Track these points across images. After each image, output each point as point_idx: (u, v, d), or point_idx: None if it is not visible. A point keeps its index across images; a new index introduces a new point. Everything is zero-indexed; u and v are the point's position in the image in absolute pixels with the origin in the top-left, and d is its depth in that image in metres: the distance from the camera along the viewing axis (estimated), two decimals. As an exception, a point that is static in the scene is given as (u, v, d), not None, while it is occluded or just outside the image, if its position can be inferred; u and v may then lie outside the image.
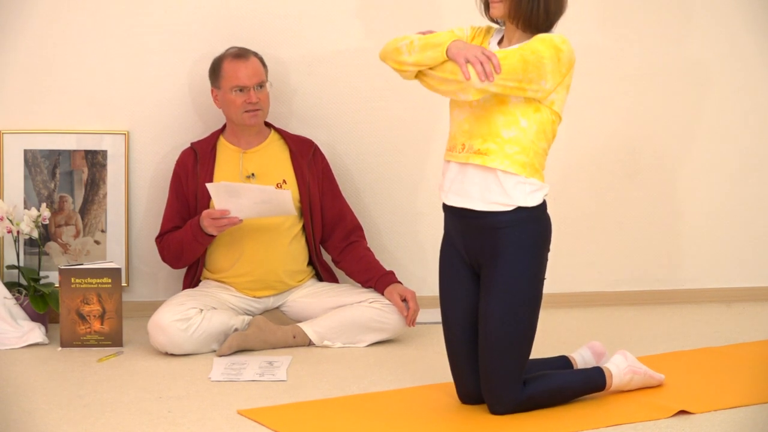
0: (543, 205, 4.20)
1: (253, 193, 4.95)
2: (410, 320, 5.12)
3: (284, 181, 5.18)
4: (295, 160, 5.26)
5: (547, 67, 4.05)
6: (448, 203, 4.25)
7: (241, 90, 5.14)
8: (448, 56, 4.01)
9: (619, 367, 4.42)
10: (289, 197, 4.96)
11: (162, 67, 5.50)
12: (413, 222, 5.68)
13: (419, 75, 4.13)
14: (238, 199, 4.94)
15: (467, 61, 3.94)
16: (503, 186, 4.12)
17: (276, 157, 5.24)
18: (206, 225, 5.01)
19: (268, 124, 5.34)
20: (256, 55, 5.22)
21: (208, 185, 4.96)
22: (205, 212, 5.02)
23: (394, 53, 4.14)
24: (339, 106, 5.63)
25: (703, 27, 5.83)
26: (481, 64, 3.92)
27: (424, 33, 4.16)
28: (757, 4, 5.85)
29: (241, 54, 5.18)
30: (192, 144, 5.30)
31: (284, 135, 5.32)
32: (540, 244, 4.21)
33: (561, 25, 4.21)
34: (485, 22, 4.31)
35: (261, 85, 5.17)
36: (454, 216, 4.26)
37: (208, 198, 5.10)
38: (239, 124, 5.21)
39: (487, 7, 4.23)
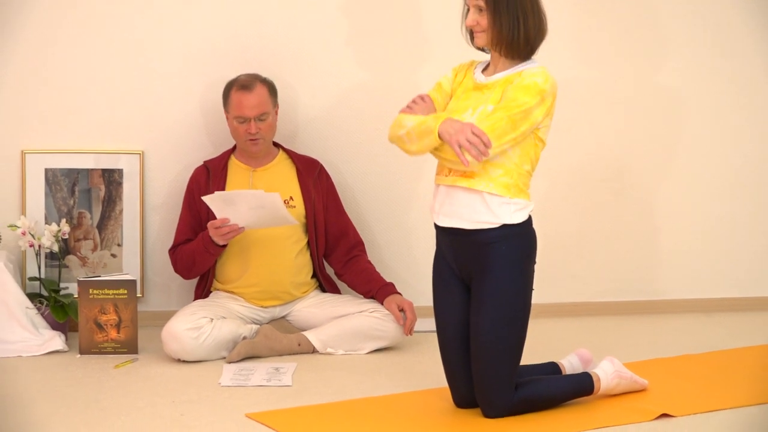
0: (528, 222, 4.21)
1: (246, 198, 4.93)
2: (407, 329, 5.11)
3: (291, 198, 5.17)
4: (301, 179, 5.24)
5: (534, 111, 4.08)
6: (439, 224, 4.26)
7: (243, 121, 5.11)
8: (442, 140, 4.04)
9: (606, 373, 4.43)
10: (278, 199, 4.93)
11: (175, 91, 5.50)
12: (409, 238, 5.67)
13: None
14: (235, 206, 4.93)
15: (460, 146, 3.97)
16: (489, 206, 4.13)
17: (284, 175, 5.22)
18: (212, 235, 5.00)
19: (277, 145, 5.33)
20: (264, 82, 5.19)
21: (204, 198, 4.96)
22: (209, 223, 5.01)
23: (398, 142, 4.20)
24: (342, 129, 5.63)
25: (679, 57, 5.84)
26: (473, 145, 3.95)
27: (412, 106, 4.22)
28: (728, 35, 5.85)
29: (246, 85, 5.15)
30: (205, 162, 5.29)
31: (292, 155, 5.31)
32: (526, 258, 4.21)
33: (549, 61, 4.23)
34: (468, 55, 4.34)
35: (262, 116, 5.13)
36: (445, 234, 4.26)
37: (219, 210, 5.10)
38: (243, 149, 5.20)
39: (472, 37, 4.24)
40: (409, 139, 4.15)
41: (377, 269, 5.34)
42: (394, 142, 4.24)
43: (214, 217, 5.06)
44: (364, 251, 5.36)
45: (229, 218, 4.94)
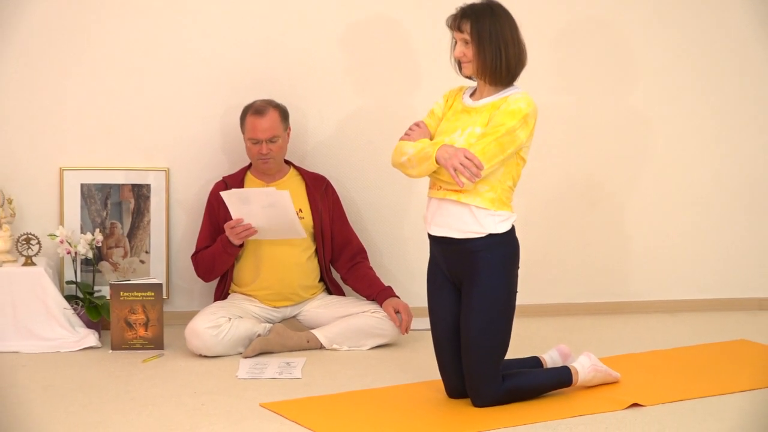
0: (511, 231, 4.21)
1: (259, 196, 4.93)
2: (403, 328, 5.11)
3: (300, 210, 5.16)
4: (310, 193, 5.24)
5: (519, 133, 4.11)
6: (431, 233, 4.26)
7: (256, 142, 5.11)
8: (439, 164, 4.08)
9: (583, 366, 4.43)
10: (288, 196, 4.93)
11: (197, 114, 5.49)
12: (405, 246, 5.66)
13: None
14: (249, 205, 4.93)
15: (455, 169, 4.01)
16: (476, 217, 4.14)
17: (294, 190, 5.20)
18: (229, 235, 5.01)
19: (288, 162, 5.33)
20: (276, 107, 5.18)
21: (222, 193, 4.98)
22: (226, 224, 5.02)
23: (401, 167, 4.23)
24: (346, 149, 5.61)
25: (646, 84, 5.83)
26: (467, 168, 3.99)
27: (409, 133, 4.25)
28: (691, 63, 5.84)
29: (259, 110, 5.15)
30: (224, 177, 5.29)
31: (302, 172, 5.31)
32: (510, 263, 4.22)
33: (530, 87, 4.25)
34: (456, 83, 4.38)
35: (273, 138, 5.13)
36: (437, 243, 4.26)
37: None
38: (256, 167, 5.21)
39: (460, 67, 4.27)
40: (410, 165, 4.17)
41: (377, 274, 5.33)
42: (397, 167, 4.26)
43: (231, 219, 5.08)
44: (366, 258, 5.35)
45: (242, 218, 4.95)
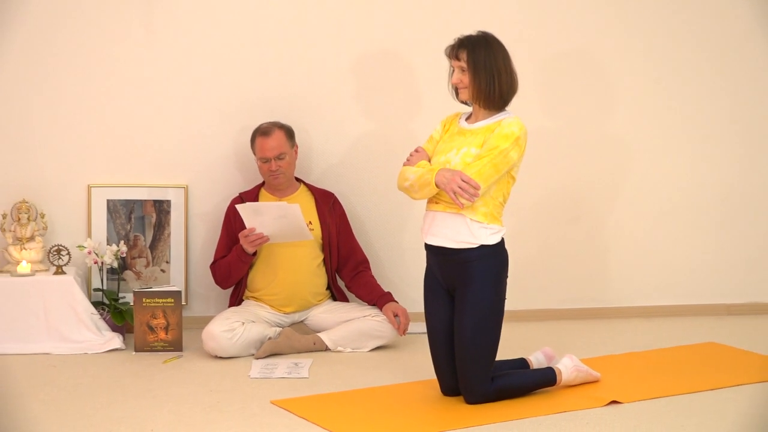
0: (501, 243, 4.22)
1: (271, 209, 4.94)
2: (401, 330, 5.11)
3: (310, 222, 5.15)
4: (318, 208, 5.24)
5: (511, 154, 4.12)
6: (428, 243, 4.27)
7: (265, 161, 5.12)
8: (439, 188, 4.10)
9: (566, 367, 4.42)
10: (298, 209, 4.93)
11: (214, 136, 5.49)
12: (404, 256, 5.66)
13: None
14: (261, 216, 4.93)
15: (454, 192, 4.03)
16: (470, 229, 4.15)
17: (304, 203, 5.20)
18: (242, 243, 5.01)
19: (299, 180, 5.33)
20: (281, 127, 5.18)
21: (237, 206, 4.98)
22: (240, 234, 5.02)
23: (405, 191, 4.26)
24: (352, 168, 5.60)
25: (624, 109, 5.82)
26: (465, 190, 4.02)
27: (410, 158, 4.28)
28: (666, 89, 5.84)
29: (266, 131, 5.15)
30: (240, 193, 5.29)
31: (311, 188, 5.32)
32: (500, 272, 4.22)
33: (521, 112, 4.27)
34: (453, 108, 4.41)
35: (281, 156, 5.13)
36: (433, 252, 4.27)
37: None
38: (268, 183, 5.22)
39: (456, 93, 4.29)
40: (413, 189, 4.20)
41: (378, 281, 5.32)
42: (401, 191, 4.29)
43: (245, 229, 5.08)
44: (368, 267, 5.35)
45: (255, 228, 4.96)
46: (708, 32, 5.83)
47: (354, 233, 5.37)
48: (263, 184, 5.29)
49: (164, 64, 5.42)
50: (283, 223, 4.95)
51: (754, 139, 5.94)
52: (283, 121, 5.28)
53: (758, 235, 5.98)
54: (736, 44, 5.85)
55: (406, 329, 5.13)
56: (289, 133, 5.21)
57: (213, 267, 5.24)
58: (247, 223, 4.97)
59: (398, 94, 5.62)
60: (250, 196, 5.23)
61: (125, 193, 5.45)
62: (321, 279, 5.24)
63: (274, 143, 5.13)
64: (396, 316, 5.11)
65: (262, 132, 5.16)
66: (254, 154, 5.20)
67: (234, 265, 5.11)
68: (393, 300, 5.19)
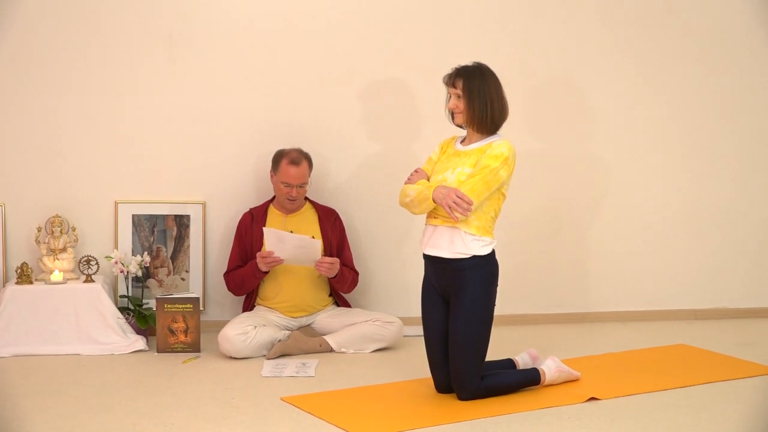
0: (492, 254, 4.23)
1: (294, 240, 4.95)
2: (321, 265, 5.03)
3: (313, 236, 5.14)
4: (321, 223, 5.24)
5: (501, 172, 4.14)
6: (427, 253, 4.28)
7: (287, 186, 5.11)
8: (436, 203, 4.12)
9: (549, 368, 4.42)
10: (319, 245, 4.96)
11: (230, 157, 5.48)
12: (403, 266, 5.64)
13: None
14: (283, 244, 4.94)
15: (449, 207, 4.05)
16: (464, 241, 4.16)
17: (308, 220, 5.22)
18: (258, 262, 5.01)
19: (305, 197, 5.32)
20: (307, 158, 5.16)
21: (265, 229, 4.98)
22: (258, 253, 5.02)
23: (406, 207, 4.28)
24: (356, 186, 5.59)
25: (604, 130, 5.83)
26: (459, 205, 4.04)
27: (410, 178, 4.29)
28: (644, 112, 5.84)
29: (295, 161, 5.11)
30: (250, 209, 5.28)
31: (315, 205, 5.31)
32: (490, 281, 4.22)
33: (510, 135, 4.28)
34: (449, 132, 4.42)
35: (302, 185, 5.13)
36: (431, 262, 4.27)
37: (260, 246, 5.09)
38: (281, 203, 5.20)
39: (452, 117, 4.30)
40: (413, 205, 4.22)
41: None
42: (403, 207, 4.30)
43: (257, 248, 5.08)
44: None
45: (273, 251, 4.95)
46: (677, 63, 5.84)
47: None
48: (272, 200, 5.28)
49: (185, 93, 5.43)
50: (300, 252, 4.96)
51: (717, 160, 5.93)
52: (294, 144, 5.27)
53: (722, 247, 5.97)
54: (706, 70, 5.86)
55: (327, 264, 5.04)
56: (311, 163, 5.19)
57: (227, 276, 5.23)
58: (268, 247, 4.97)
59: (400, 119, 5.63)
60: (260, 212, 5.23)
61: (149, 208, 5.45)
62: (323, 288, 5.23)
63: (299, 173, 5.11)
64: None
65: (292, 160, 5.11)
66: (274, 173, 5.18)
67: (247, 279, 5.12)
68: (346, 267, 5.17)
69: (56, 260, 5.18)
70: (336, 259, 5.05)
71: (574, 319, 5.84)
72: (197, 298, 5.07)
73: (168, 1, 5.37)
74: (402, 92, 5.61)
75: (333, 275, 5.08)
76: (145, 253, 5.37)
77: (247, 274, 5.10)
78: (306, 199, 5.32)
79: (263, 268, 5.02)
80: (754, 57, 5.88)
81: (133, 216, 5.44)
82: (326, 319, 5.20)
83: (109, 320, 5.07)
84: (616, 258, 5.89)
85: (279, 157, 5.17)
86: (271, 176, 5.21)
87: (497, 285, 4.26)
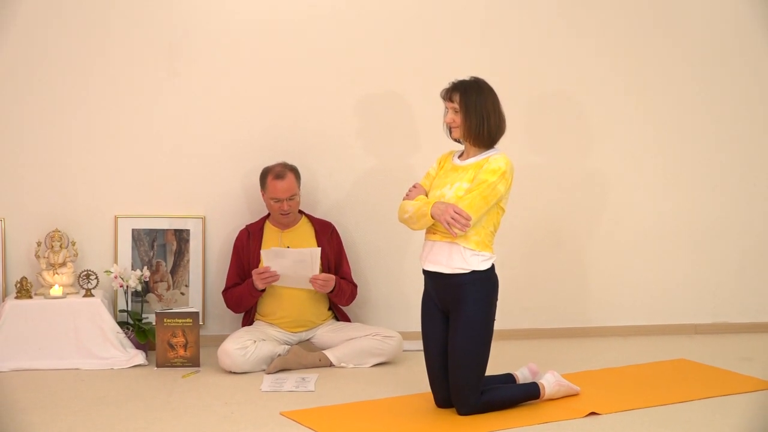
0: (492, 269, 4.22)
1: (293, 254, 4.95)
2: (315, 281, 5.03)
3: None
4: (318, 237, 5.24)
5: (499, 186, 4.14)
6: (426, 269, 4.27)
7: (277, 201, 5.12)
8: (434, 219, 4.13)
9: (549, 382, 4.41)
10: (318, 253, 4.97)
11: (229, 172, 5.50)
12: (403, 280, 5.64)
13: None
14: (282, 259, 4.94)
15: (448, 223, 4.05)
16: (463, 256, 4.16)
17: (305, 234, 5.22)
18: (255, 280, 5.01)
19: (300, 212, 5.32)
20: (292, 170, 5.17)
21: (263, 251, 4.98)
22: (254, 271, 5.03)
23: (405, 223, 4.28)
24: (352, 200, 5.60)
25: (600, 146, 5.84)
26: (457, 221, 4.04)
27: (409, 193, 4.29)
28: (642, 127, 5.85)
29: (280, 174, 5.12)
30: (247, 226, 5.29)
31: (311, 219, 5.31)
32: (490, 295, 4.22)
33: (508, 150, 4.28)
34: (447, 147, 4.42)
35: (292, 197, 5.13)
36: (430, 277, 4.27)
37: (257, 263, 5.11)
38: (276, 219, 5.20)
39: (450, 131, 4.30)
40: (412, 221, 4.22)
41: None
42: (401, 222, 4.31)
43: (255, 265, 5.09)
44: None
45: (270, 266, 4.95)
46: (677, 79, 5.86)
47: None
48: (268, 215, 5.28)
49: (184, 109, 5.44)
50: (298, 266, 4.96)
51: (717, 175, 5.95)
52: (293, 159, 5.29)
53: (722, 262, 5.98)
54: (705, 87, 5.88)
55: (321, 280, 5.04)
56: (297, 174, 5.20)
57: (225, 294, 5.23)
58: (265, 263, 4.98)
59: (398, 134, 5.64)
60: (256, 228, 5.23)
61: (148, 223, 5.45)
62: (322, 303, 5.23)
63: (286, 186, 5.12)
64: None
65: (276, 175, 5.13)
66: (263, 191, 5.19)
67: (244, 297, 5.12)
68: (344, 280, 5.17)
69: (56, 275, 5.18)
70: (330, 276, 5.05)
71: (574, 333, 5.84)
72: (197, 313, 5.07)
73: (168, 18, 5.39)
74: (400, 107, 5.62)
75: (329, 291, 5.08)
76: (145, 267, 5.37)
77: (244, 293, 5.10)
78: (302, 213, 5.32)
79: (260, 286, 5.02)
80: (755, 76, 5.91)
81: (133, 230, 5.44)
82: (326, 333, 5.20)
83: (108, 335, 5.06)
84: (616, 272, 5.89)
85: (265, 175, 5.18)
86: (262, 195, 5.21)
87: (497, 299, 4.26)
